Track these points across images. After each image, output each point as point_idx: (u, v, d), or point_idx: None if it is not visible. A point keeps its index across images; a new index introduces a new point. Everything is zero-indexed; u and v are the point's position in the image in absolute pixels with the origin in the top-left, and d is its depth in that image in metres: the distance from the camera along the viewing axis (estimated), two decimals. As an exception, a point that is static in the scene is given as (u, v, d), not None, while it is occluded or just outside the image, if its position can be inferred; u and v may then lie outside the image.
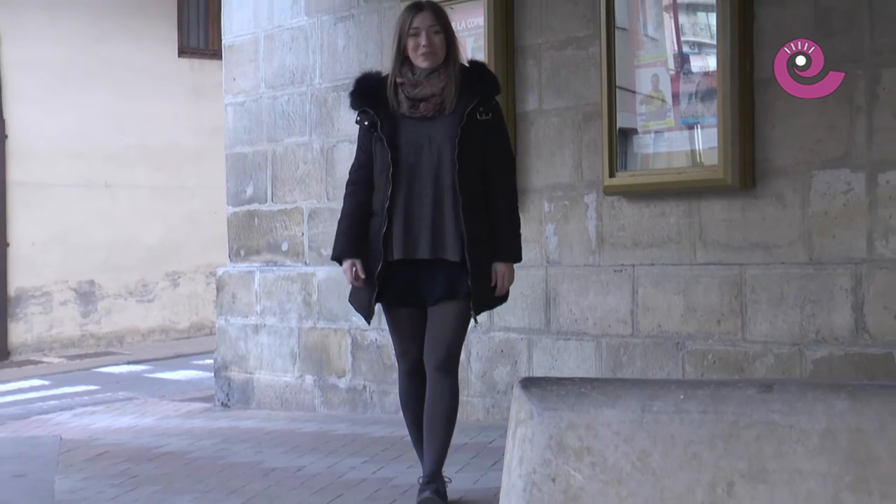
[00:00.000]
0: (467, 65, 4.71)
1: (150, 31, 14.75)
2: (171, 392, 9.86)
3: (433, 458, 4.57)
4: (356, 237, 4.63)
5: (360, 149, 4.70)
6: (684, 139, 5.70)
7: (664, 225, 5.79)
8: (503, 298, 4.68)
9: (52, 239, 14.00)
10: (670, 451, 2.33)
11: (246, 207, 8.25)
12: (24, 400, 10.23)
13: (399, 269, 4.54)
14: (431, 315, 4.58)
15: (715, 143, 5.47)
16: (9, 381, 11.80)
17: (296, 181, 7.84)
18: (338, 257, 4.68)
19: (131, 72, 14.50)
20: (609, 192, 5.97)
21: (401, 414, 4.87)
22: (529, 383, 2.52)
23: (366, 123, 4.60)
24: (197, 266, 14.88)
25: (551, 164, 6.30)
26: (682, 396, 2.37)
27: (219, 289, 8.51)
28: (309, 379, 7.72)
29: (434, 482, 4.53)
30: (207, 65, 14.71)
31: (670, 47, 5.75)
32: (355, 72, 6.04)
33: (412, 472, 4.75)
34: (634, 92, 5.87)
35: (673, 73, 5.72)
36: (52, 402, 9.83)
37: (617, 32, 5.88)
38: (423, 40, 4.51)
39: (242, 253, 8.29)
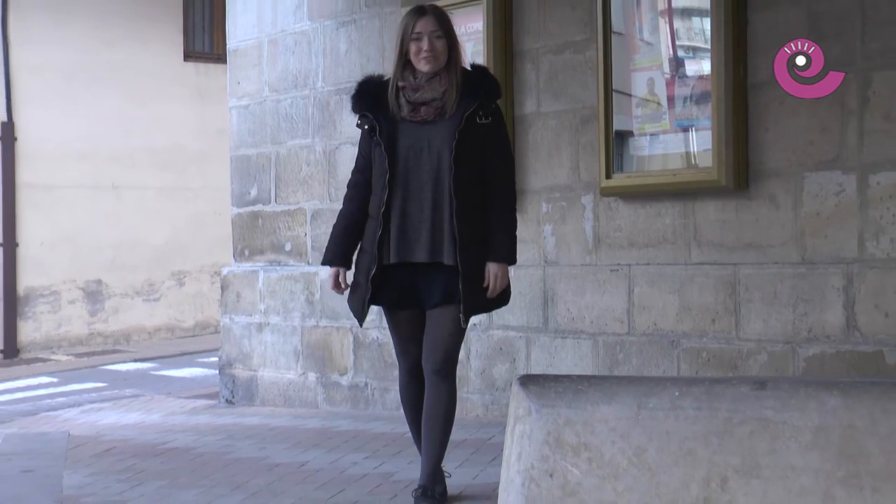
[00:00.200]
0: (469, 68, 4.66)
1: (156, 35, 14.75)
2: (177, 389, 9.86)
3: (429, 460, 4.54)
4: (345, 246, 4.65)
5: (359, 153, 4.67)
6: (679, 141, 5.70)
7: (660, 225, 5.79)
8: (502, 302, 4.61)
9: (60, 239, 14.00)
10: (666, 446, 2.33)
11: (250, 208, 8.25)
12: (32, 397, 10.23)
13: (396, 272, 4.50)
14: (429, 319, 4.54)
15: (709, 146, 5.47)
16: (18, 378, 11.80)
17: (299, 183, 7.84)
18: (327, 263, 4.70)
19: (138, 75, 14.51)
20: (606, 193, 5.97)
21: (401, 411, 4.86)
22: (528, 381, 2.51)
23: (366, 127, 4.57)
24: (202, 266, 14.89)
25: (549, 165, 6.30)
26: (677, 393, 2.37)
27: (223, 288, 8.51)
28: (312, 376, 7.72)
29: (431, 490, 4.48)
30: (212, 69, 14.72)
31: (665, 51, 5.75)
32: (357, 75, 6.03)
33: (413, 467, 4.75)
34: (630, 95, 5.86)
35: (668, 76, 5.71)
36: (61, 399, 9.83)
37: (613, 37, 5.88)
38: (424, 45, 4.46)
39: (247, 253, 8.29)
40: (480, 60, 6.20)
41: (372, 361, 7.27)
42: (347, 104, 4.75)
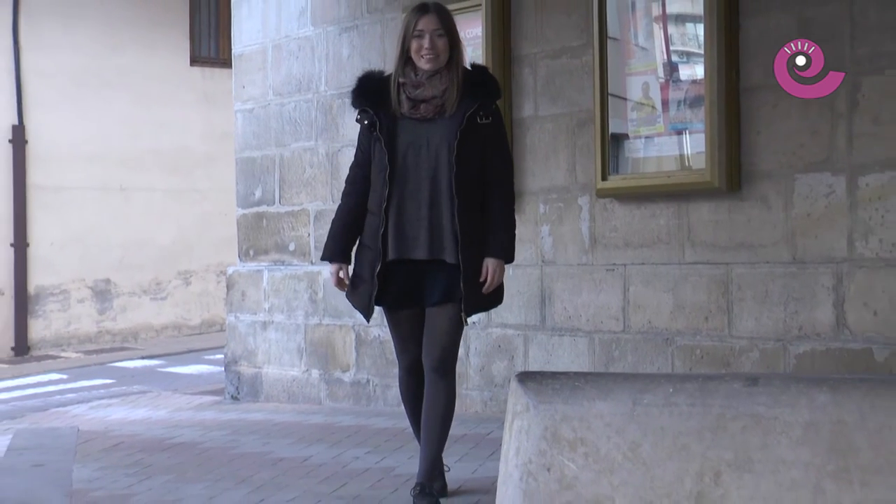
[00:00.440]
0: (470, 68, 4.59)
1: (163, 40, 14.75)
2: (184, 385, 9.86)
3: (427, 457, 4.50)
4: (345, 242, 4.60)
5: (358, 147, 4.60)
6: (673, 144, 5.70)
7: (654, 226, 5.79)
8: (497, 301, 4.57)
9: (69, 239, 14.00)
10: (660, 441, 2.33)
11: (255, 209, 8.25)
12: (43, 393, 10.23)
13: (397, 269, 4.45)
14: (429, 316, 4.49)
15: (702, 148, 5.47)
16: (29, 375, 11.80)
17: (302, 184, 7.84)
18: (327, 259, 4.65)
19: (145, 80, 14.51)
20: (601, 194, 5.97)
21: (402, 407, 4.83)
22: (526, 377, 2.51)
23: (365, 122, 4.50)
24: (208, 265, 14.88)
25: (546, 167, 6.30)
26: (671, 390, 2.37)
27: (229, 287, 8.50)
28: (315, 373, 7.72)
29: (429, 487, 4.45)
30: (218, 73, 14.72)
31: (660, 56, 5.75)
32: (359, 80, 6.02)
33: (414, 461, 4.75)
34: (626, 99, 5.86)
35: (662, 81, 5.71)
36: (70, 395, 9.83)
37: (609, 42, 5.88)
38: (426, 43, 4.40)
39: (251, 253, 8.29)
40: (479, 65, 6.19)
41: (374, 358, 7.27)
42: (350, 108, 4.71)
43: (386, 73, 4.59)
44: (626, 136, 5.88)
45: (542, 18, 6.32)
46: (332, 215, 4.78)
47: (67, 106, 13.98)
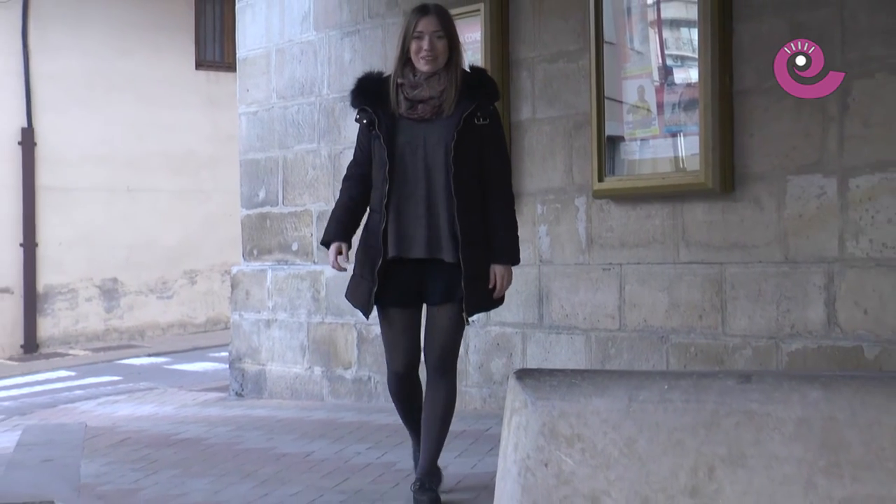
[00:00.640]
0: (468, 70, 4.54)
1: (169, 45, 14.75)
2: (189, 382, 9.86)
3: (428, 455, 4.46)
4: (345, 225, 4.49)
5: (357, 147, 4.54)
6: (668, 146, 5.70)
7: (649, 226, 5.79)
8: (499, 301, 4.50)
9: (77, 239, 14.00)
10: (655, 437, 2.33)
11: (259, 210, 8.25)
12: (51, 390, 10.23)
13: (396, 268, 4.38)
14: (430, 316, 4.44)
15: (697, 150, 5.46)
16: (38, 372, 11.81)
17: (305, 185, 7.83)
18: (326, 242, 4.52)
19: (152, 83, 14.51)
20: (598, 195, 5.96)
21: None
22: (524, 374, 2.51)
23: (364, 122, 4.44)
24: (213, 265, 14.88)
25: (544, 169, 6.29)
26: (666, 387, 2.36)
27: (233, 286, 8.50)
28: (317, 370, 7.72)
29: (428, 482, 4.41)
30: (223, 77, 14.72)
31: (655, 60, 5.74)
32: (361, 83, 6.02)
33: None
34: (621, 102, 5.86)
35: (657, 84, 5.71)
36: (78, 392, 9.83)
37: (605, 46, 5.88)
38: (425, 44, 4.33)
39: (255, 252, 8.29)
40: (478, 69, 6.18)
41: (375, 356, 7.26)
42: (351, 110, 4.67)
43: (385, 74, 4.53)
44: (621, 139, 5.88)
45: (539, 23, 6.32)
46: (335, 215, 4.71)
47: (75, 109, 13.98)
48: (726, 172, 5.38)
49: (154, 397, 8.78)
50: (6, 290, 13.67)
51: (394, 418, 6.43)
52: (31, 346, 13.66)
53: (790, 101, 5.11)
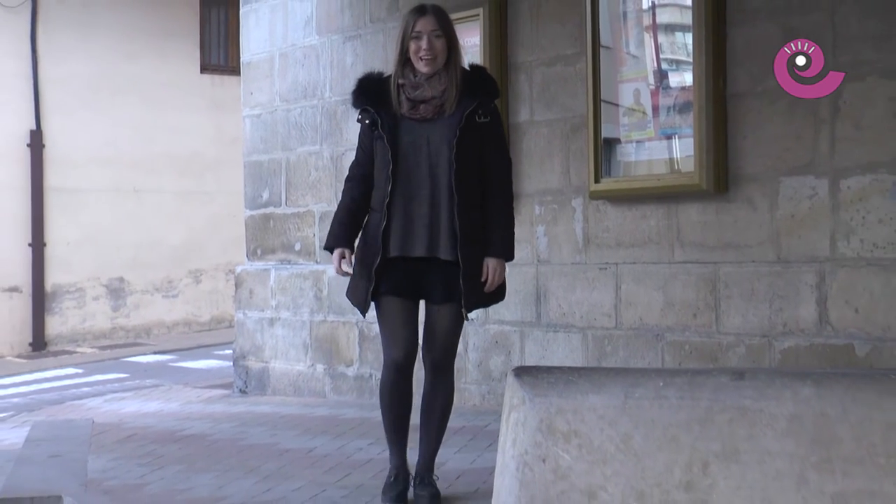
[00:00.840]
0: (468, 68, 4.48)
1: (174, 49, 14.75)
2: (194, 380, 9.86)
3: (427, 451, 4.44)
4: (348, 229, 4.43)
5: (359, 147, 4.48)
6: (663, 148, 5.70)
7: (645, 227, 5.79)
8: (499, 297, 4.45)
9: (85, 239, 14.00)
10: (651, 433, 2.33)
11: (262, 211, 8.25)
12: (59, 387, 10.23)
13: (396, 264, 4.32)
14: (430, 315, 4.40)
15: (691, 152, 5.46)
16: (46, 369, 11.81)
17: (308, 186, 7.83)
18: (330, 247, 4.47)
19: (158, 87, 14.51)
20: (594, 196, 5.96)
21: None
22: (522, 372, 2.51)
23: (367, 122, 4.38)
24: (217, 264, 14.88)
25: (541, 170, 6.29)
26: (661, 384, 2.36)
27: (237, 285, 8.50)
28: (320, 368, 7.71)
29: (428, 478, 4.39)
30: (227, 80, 14.71)
31: (650, 64, 5.74)
32: (362, 87, 6.01)
33: (414, 453, 4.72)
34: (617, 105, 5.86)
35: (653, 87, 5.71)
36: (86, 389, 9.83)
37: (602, 51, 5.87)
38: (424, 44, 4.28)
39: (259, 252, 8.28)
40: (478, 72, 6.17)
41: (376, 353, 7.26)
42: (353, 113, 4.63)
43: (386, 75, 4.48)
44: (617, 141, 5.88)
45: (537, 28, 6.31)
46: (336, 215, 4.67)
47: (83, 112, 13.98)
48: (720, 174, 5.38)
49: (160, 394, 8.77)
50: (15, 290, 13.67)
51: (394, 415, 6.43)
52: (39, 343, 13.66)
53: (783, 103, 5.12)
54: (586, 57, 5.93)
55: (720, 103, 5.37)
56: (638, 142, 5.80)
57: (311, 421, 6.69)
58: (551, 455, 2.37)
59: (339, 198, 4.64)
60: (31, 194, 13.71)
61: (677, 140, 5.62)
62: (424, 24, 4.32)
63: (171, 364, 11.56)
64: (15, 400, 9.46)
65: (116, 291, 14.31)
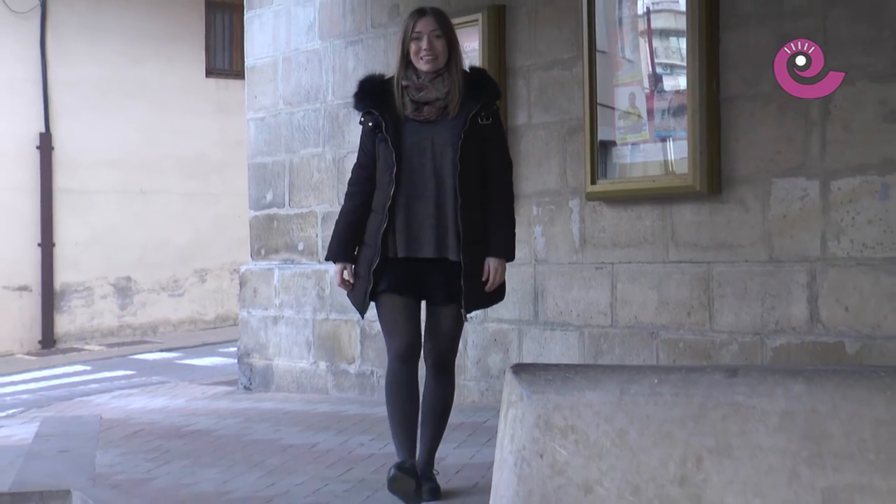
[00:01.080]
0: (468, 70, 4.47)
1: (180, 54, 14.75)
2: (199, 376, 9.86)
3: (427, 447, 4.42)
4: (349, 242, 4.39)
5: (361, 149, 4.44)
6: (658, 150, 5.70)
7: (640, 227, 5.78)
8: (499, 297, 4.43)
9: (93, 239, 14.01)
10: (646, 429, 2.33)
11: (266, 211, 8.24)
12: (68, 383, 10.23)
13: (399, 263, 4.29)
14: (431, 315, 4.37)
15: (685, 154, 5.46)
16: (55, 366, 11.81)
17: (310, 188, 7.83)
18: (331, 259, 4.47)
19: (164, 90, 14.51)
20: (591, 197, 5.96)
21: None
22: (520, 369, 2.51)
23: (370, 124, 4.34)
24: (222, 264, 14.88)
25: (539, 172, 6.29)
26: (656, 380, 2.36)
27: (242, 284, 8.50)
28: (322, 365, 7.71)
29: (429, 473, 4.37)
30: (232, 84, 14.72)
31: (645, 68, 5.74)
32: (364, 90, 6.01)
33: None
34: (613, 108, 5.86)
35: (648, 91, 5.71)
36: (93, 386, 9.83)
37: (598, 55, 5.87)
38: (424, 44, 4.25)
39: (263, 252, 8.28)
40: (476, 76, 6.16)
41: (377, 351, 7.26)
42: (355, 116, 4.61)
43: (387, 77, 4.45)
44: (613, 143, 5.88)
45: (535, 33, 6.31)
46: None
47: (91, 115, 13.99)
48: (713, 175, 5.38)
49: (166, 391, 8.77)
50: (25, 288, 13.67)
51: (395, 411, 6.42)
52: (48, 341, 13.66)
53: (775, 106, 5.12)
54: (583, 61, 5.92)
55: (713, 107, 5.37)
56: (633, 144, 5.80)
57: (314, 417, 6.69)
58: (549, 450, 2.37)
59: (341, 198, 4.64)
60: (40, 196, 13.72)
61: (672, 142, 5.62)
62: (424, 25, 4.30)
63: (176, 361, 11.56)
64: (24, 396, 9.46)
65: (124, 290, 14.31)
